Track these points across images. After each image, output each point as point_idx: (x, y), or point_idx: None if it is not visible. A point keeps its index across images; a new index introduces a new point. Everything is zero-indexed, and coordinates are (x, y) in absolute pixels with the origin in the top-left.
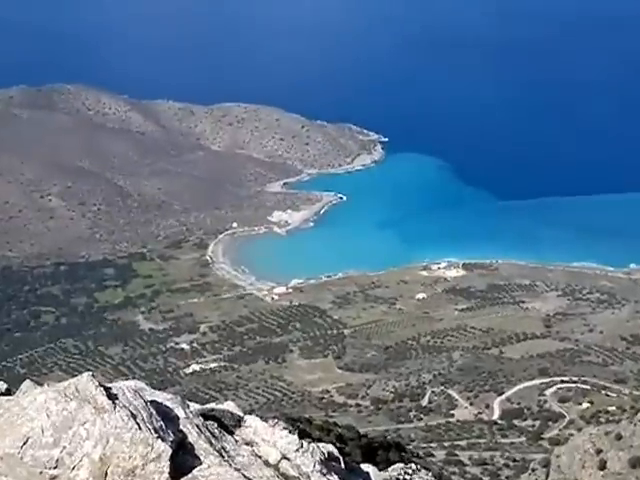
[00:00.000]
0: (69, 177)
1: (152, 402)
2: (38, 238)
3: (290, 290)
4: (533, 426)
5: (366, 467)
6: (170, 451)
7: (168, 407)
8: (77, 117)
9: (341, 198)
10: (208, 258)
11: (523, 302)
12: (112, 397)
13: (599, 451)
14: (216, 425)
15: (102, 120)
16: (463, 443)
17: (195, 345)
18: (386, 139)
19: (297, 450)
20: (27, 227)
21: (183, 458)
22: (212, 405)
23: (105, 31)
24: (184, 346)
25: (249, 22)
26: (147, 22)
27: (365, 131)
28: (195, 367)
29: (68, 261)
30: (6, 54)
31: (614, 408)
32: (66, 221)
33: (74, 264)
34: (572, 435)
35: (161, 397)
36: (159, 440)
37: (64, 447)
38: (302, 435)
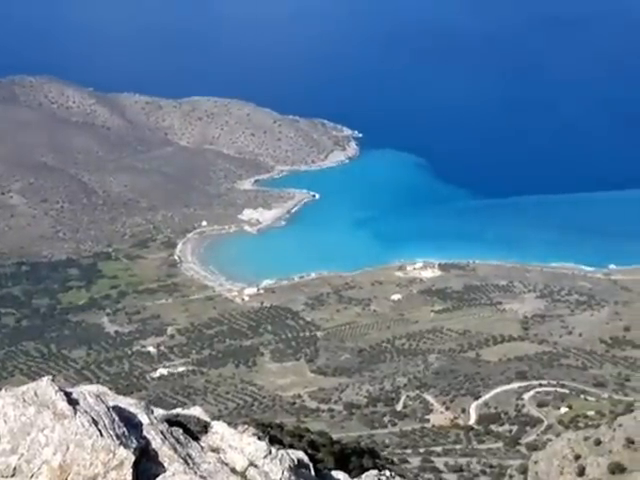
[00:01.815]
0: (31, 173)
1: (115, 407)
2: None
3: (261, 291)
4: (510, 431)
5: (338, 474)
6: (133, 458)
7: (131, 413)
8: (40, 111)
9: (314, 196)
10: (176, 258)
11: (500, 303)
12: (73, 402)
13: (578, 457)
14: (181, 431)
15: (66, 114)
16: (439, 449)
17: (162, 348)
18: (361, 135)
19: (265, 457)
20: None
21: (146, 465)
22: (178, 410)
23: (70, 22)
24: (151, 349)
25: (220, 14)
26: (113, 12)
27: (339, 127)
28: (162, 371)
29: (30, 261)
30: None
31: (593, 413)
32: (28, 219)
33: (36, 264)
34: (550, 440)
35: (124, 402)
36: (121, 447)
37: (22, 454)
38: (273, 441)
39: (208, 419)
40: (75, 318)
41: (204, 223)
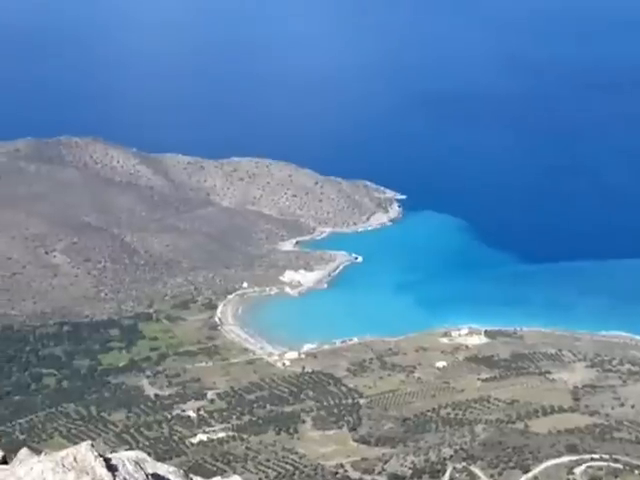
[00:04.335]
0: (75, 233)
1: (154, 475)
2: (41, 296)
3: (303, 356)
4: None
5: None
6: None
7: None
8: (84, 171)
9: (356, 258)
10: (217, 320)
11: (549, 372)
12: (112, 469)
13: None
14: None
15: (110, 174)
16: None
17: (202, 413)
18: (403, 197)
19: None
20: (30, 284)
21: None
22: (218, 479)
23: (114, 84)
24: (190, 413)
25: (262, 76)
26: (157, 75)
27: (381, 188)
28: (202, 437)
29: (72, 321)
30: (14, 106)
31: None
32: (71, 278)
33: (78, 324)
34: None
35: (163, 469)
36: None
37: None
38: None
39: None
40: (115, 380)
41: (245, 284)
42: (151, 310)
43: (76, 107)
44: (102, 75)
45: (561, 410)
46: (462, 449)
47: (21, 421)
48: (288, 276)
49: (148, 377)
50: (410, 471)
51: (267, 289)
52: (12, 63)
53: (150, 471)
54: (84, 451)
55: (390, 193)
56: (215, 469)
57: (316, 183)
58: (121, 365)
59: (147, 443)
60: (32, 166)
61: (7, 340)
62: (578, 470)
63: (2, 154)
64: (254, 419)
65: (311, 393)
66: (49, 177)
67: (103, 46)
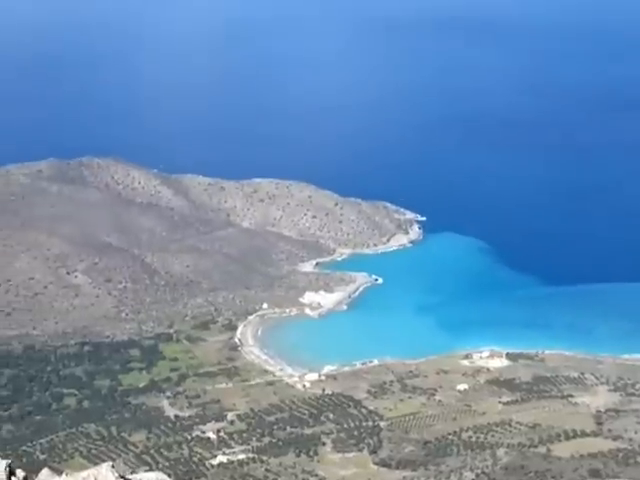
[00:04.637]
0: (96, 253)
1: None
2: (63, 316)
3: (323, 377)
4: None
5: None
6: None
7: None
8: (106, 192)
9: (376, 280)
10: (237, 341)
11: (572, 396)
12: None
13: None
14: None
15: (131, 195)
16: None
17: (222, 434)
18: (424, 218)
19: None
20: (52, 304)
21: None
22: None
23: (135, 105)
24: (210, 435)
25: (280, 97)
26: (177, 95)
27: (401, 209)
28: (222, 458)
29: (92, 341)
30: (37, 128)
31: None
32: (92, 299)
33: (98, 344)
34: None
35: None
36: None
37: None
38: None
39: None
40: (135, 400)
41: (265, 305)
42: (171, 331)
43: (98, 128)
44: (124, 97)
45: (584, 434)
46: (484, 473)
47: (42, 441)
48: (308, 297)
49: (168, 398)
50: None
51: (287, 310)
52: (35, 85)
53: None
54: (105, 472)
55: (410, 214)
56: None
57: (336, 204)
58: (141, 386)
59: (167, 464)
60: (54, 187)
61: (29, 360)
62: None
63: (25, 175)
64: (274, 441)
65: (331, 415)
66: (71, 198)
67: (124, 69)
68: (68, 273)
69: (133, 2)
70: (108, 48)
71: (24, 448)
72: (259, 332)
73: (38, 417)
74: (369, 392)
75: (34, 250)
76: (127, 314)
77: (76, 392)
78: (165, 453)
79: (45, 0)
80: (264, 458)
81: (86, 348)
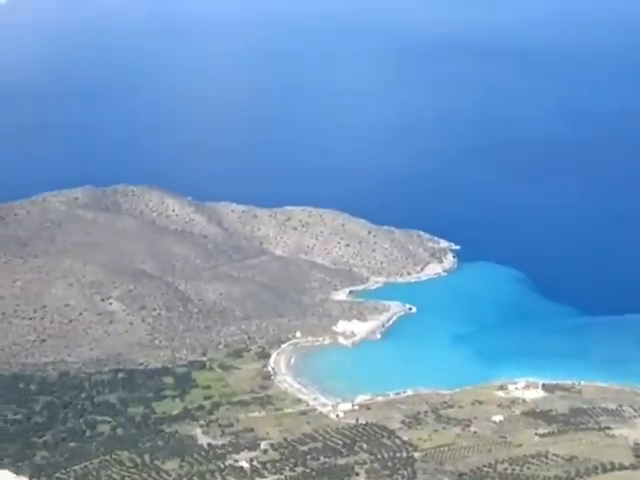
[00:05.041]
0: (130, 280)
1: None
2: (97, 343)
3: (356, 407)
4: None
5: None
6: None
7: None
8: (140, 219)
9: (410, 309)
10: (270, 369)
11: (609, 428)
12: None
13: None
14: None
15: (165, 222)
16: None
17: (255, 463)
18: (458, 247)
19: None
20: (86, 331)
21: None
22: None
23: (169, 133)
24: (244, 464)
25: (313, 126)
26: (211, 123)
27: (435, 238)
28: None
29: (126, 368)
30: (73, 156)
31: None
32: (126, 325)
33: (132, 371)
34: None
35: None
36: None
37: None
38: None
39: None
40: (169, 428)
41: (298, 334)
42: (205, 358)
43: (133, 156)
44: (159, 125)
45: (622, 467)
46: None
47: (76, 468)
48: (341, 326)
49: (201, 426)
50: None
51: (320, 339)
52: (71, 113)
53: None
54: None
55: (444, 243)
56: None
57: (369, 232)
58: (175, 413)
59: None
60: (90, 214)
61: (63, 386)
62: None
63: (62, 202)
64: (307, 471)
65: (365, 445)
66: (106, 225)
67: (160, 98)
68: (103, 300)
69: (166, 35)
70: (143, 78)
71: (58, 475)
72: (292, 361)
73: (72, 444)
74: (403, 422)
75: (69, 277)
76: (161, 341)
77: (110, 419)
78: None
79: (80, 30)
80: None
81: (120, 375)
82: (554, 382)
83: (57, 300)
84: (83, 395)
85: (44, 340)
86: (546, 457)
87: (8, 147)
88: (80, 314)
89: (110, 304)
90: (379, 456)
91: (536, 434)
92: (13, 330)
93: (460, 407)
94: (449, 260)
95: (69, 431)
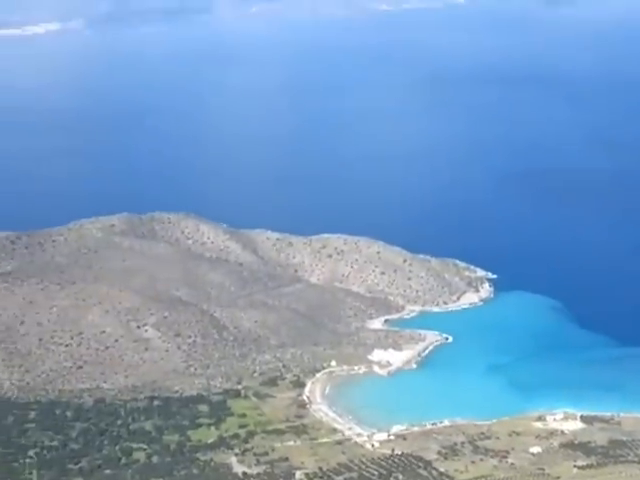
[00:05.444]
0: (166, 307)
1: None
2: (133, 370)
3: (392, 437)
4: None
5: None
6: None
7: None
8: (176, 246)
9: (447, 338)
10: (305, 398)
11: None
12: None
13: None
14: None
15: (200, 249)
16: None
17: None
18: (494, 276)
19: None
20: (122, 358)
21: None
22: None
23: (205, 161)
24: None
25: (349, 152)
26: (247, 151)
27: (472, 267)
28: None
29: (162, 395)
30: (110, 183)
31: None
32: (161, 353)
33: (168, 399)
34: None
35: None
36: None
37: None
38: None
39: None
40: (204, 457)
41: (333, 363)
42: (240, 387)
43: (169, 183)
44: (196, 153)
45: None
46: None
47: None
48: (377, 355)
49: (236, 455)
50: None
51: (355, 368)
52: (109, 140)
53: None
54: None
55: (481, 272)
56: None
57: (405, 261)
58: (210, 442)
59: None
60: (126, 241)
61: (99, 413)
62: None
63: (98, 229)
64: None
65: (400, 476)
66: (142, 252)
67: (197, 126)
68: (138, 327)
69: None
70: (180, 106)
71: None
72: (327, 390)
73: (107, 471)
74: (439, 453)
75: (105, 303)
76: (196, 369)
77: (145, 447)
78: None
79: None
80: None
81: (155, 402)
82: (593, 414)
83: (93, 327)
84: (119, 422)
85: (80, 367)
86: None
87: (46, 172)
88: (116, 341)
89: (146, 331)
90: None
91: (575, 466)
92: (50, 357)
93: (497, 438)
94: (485, 289)
95: (104, 458)
